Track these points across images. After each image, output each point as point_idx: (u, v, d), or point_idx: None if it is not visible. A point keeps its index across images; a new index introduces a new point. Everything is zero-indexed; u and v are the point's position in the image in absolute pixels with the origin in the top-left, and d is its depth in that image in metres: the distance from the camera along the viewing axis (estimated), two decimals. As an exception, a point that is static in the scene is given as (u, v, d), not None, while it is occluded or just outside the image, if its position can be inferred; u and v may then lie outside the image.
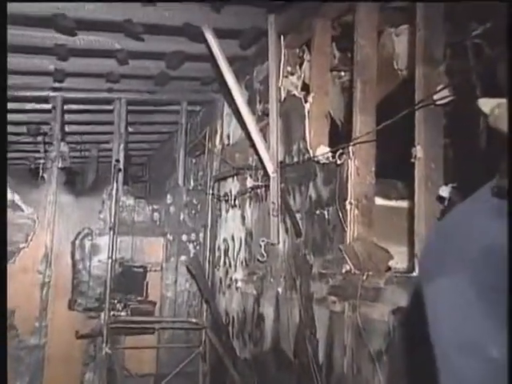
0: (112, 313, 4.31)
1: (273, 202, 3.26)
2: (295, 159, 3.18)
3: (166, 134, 6.22)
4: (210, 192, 4.71)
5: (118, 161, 4.61)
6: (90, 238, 4.41)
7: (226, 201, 4.43)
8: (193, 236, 4.81)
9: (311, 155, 2.94)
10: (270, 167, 3.26)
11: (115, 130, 4.69)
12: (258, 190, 3.72)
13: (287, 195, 3.24)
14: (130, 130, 5.21)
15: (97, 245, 4.42)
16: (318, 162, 2.85)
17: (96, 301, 4.35)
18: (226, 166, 4.41)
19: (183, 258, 4.71)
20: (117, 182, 4.49)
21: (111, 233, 4.38)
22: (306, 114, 3.06)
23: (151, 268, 4.64)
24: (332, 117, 3.13)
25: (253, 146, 3.48)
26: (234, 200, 4.22)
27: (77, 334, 4.19)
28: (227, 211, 4.45)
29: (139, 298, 4.49)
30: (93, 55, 3.55)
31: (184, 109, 5.09)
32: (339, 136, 3.14)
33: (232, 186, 4.32)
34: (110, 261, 4.36)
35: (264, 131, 3.54)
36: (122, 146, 4.70)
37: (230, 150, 4.42)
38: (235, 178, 4.23)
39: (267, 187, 3.45)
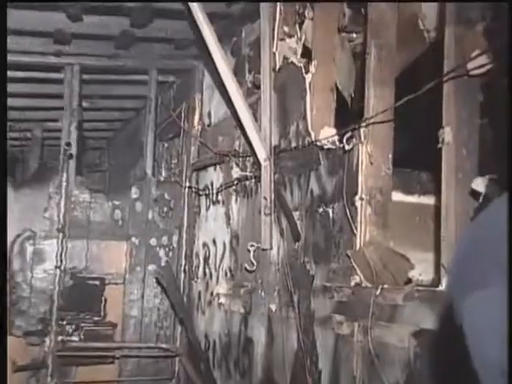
0: (60, 337, 4.28)
1: (264, 198, 3.29)
2: (293, 144, 3.19)
3: (130, 110, 6.21)
4: (187, 184, 4.72)
5: (68, 144, 4.57)
6: (31, 242, 4.36)
7: (207, 195, 4.44)
8: (164, 240, 4.82)
9: (313, 139, 2.97)
10: (262, 154, 3.28)
11: (65, 104, 4.66)
12: (247, 183, 3.73)
13: (282, 189, 3.26)
14: (85, 105, 5.17)
15: (41, 251, 4.39)
16: (321, 148, 2.88)
17: (39, 322, 4.30)
18: (206, 152, 4.41)
19: (152, 267, 4.71)
20: (67, 171, 4.48)
21: (60, 236, 4.37)
22: (307, 86, 3.07)
23: (111, 280, 4.63)
24: (340, 90, 3.12)
25: (240, 126, 3.49)
26: (217, 194, 4.23)
27: (14, 366, 4.12)
28: (208, 208, 4.45)
29: (95, 319, 4.48)
30: (36, 8, 3.47)
31: (153, 79, 5.07)
32: (348, 115, 3.16)
33: (214, 176, 4.33)
34: (57, 271, 4.35)
35: (254, 108, 3.53)
36: (74, 125, 4.65)
37: (211, 131, 4.42)
38: (218, 167, 4.23)
39: (258, 179, 3.47)
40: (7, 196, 3.90)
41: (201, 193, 4.57)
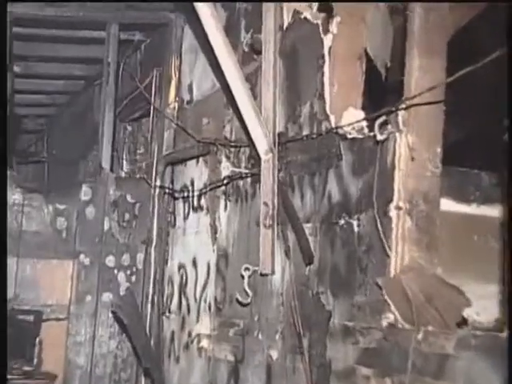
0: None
1: (265, 204, 3.32)
2: (305, 131, 3.19)
3: (80, 79, 6.23)
4: (157, 183, 4.73)
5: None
6: None
7: (185, 199, 4.44)
8: (125, 259, 4.83)
9: (332, 124, 2.98)
10: (262, 143, 3.30)
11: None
12: (241, 183, 3.74)
13: (290, 192, 3.26)
14: (17, 70, 5.20)
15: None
16: (343, 137, 2.90)
17: None
18: (185, 140, 4.42)
19: (108, 296, 4.71)
20: (-9, 162, 4.51)
21: (-20, 251, 4.39)
22: (326, 52, 3.08)
23: (50, 315, 4.63)
24: (371, 59, 3.10)
25: (233, 105, 3.52)
26: (199, 198, 4.23)
27: None
28: (186, 217, 4.45)
29: (26, 369, 4.47)
30: None
31: (113, 37, 5.09)
32: (382, 92, 3.18)
33: (195, 173, 4.33)
34: (-24, 300, 4.37)
35: (253, 81, 3.54)
36: None
37: (192, 111, 4.43)
38: (201, 160, 4.25)
39: (256, 177, 3.48)
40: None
41: (177, 195, 4.57)
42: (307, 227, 3.11)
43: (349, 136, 2.87)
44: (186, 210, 4.46)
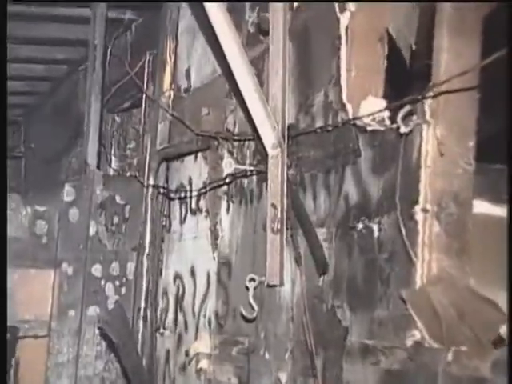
0: None
1: (273, 205, 3.32)
2: (318, 122, 3.20)
3: (62, 64, 6.27)
4: (150, 182, 4.73)
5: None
6: None
7: (182, 200, 4.45)
8: (114, 268, 4.83)
9: (350, 115, 2.99)
10: (270, 137, 3.31)
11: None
12: (245, 181, 3.76)
13: (301, 192, 3.28)
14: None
15: None
16: (362, 129, 2.90)
17: None
18: (182, 133, 4.42)
19: (94, 310, 4.71)
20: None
21: None
22: (343, 33, 3.08)
23: (27, 331, 4.63)
24: (393, 40, 3.07)
25: (236, 94, 3.53)
26: (198, 199, 4.24)
27: None
28: (183, 220, 4.47)
29: (0, 394, 4.48)
30: None
31: (100, 16, 5.12)
32: (406, 78, 3.15)
33: (194, 171, 4.35)
34: None
35: (259, 66, 3.56)
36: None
37: (191, 100, 4.43)
38: (200, 156, 4.26)
39: (263, 176, 3.50)
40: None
41: (172, 196, 4.58)
42: (321, 232, 3.12)
43: (368, 128, 2.87)
44: (183, 213, 4.46)
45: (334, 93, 3.11)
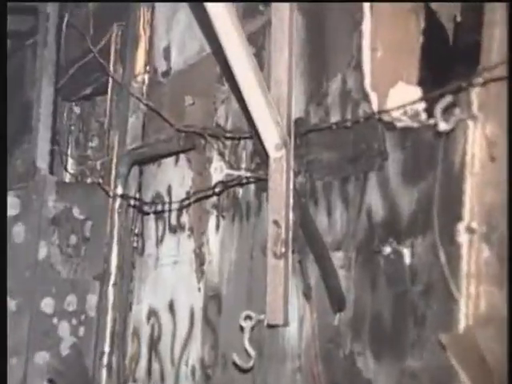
0: None
1: (275, 222, 3.33)
2: (334, 117, 3.20)
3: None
4: (118, 192, 4.70)
5: None
6: None
7: (158, 215, 4.43)
8: (70, 302, 4.80)
9: (374, 107, 3.00)
10: (272, 134, 3.31)
11: None
12: (240, 192, 3.76)
13: (311, 205, 3.28)
14: None
15: None
16: (390, 126, 2.91)
17: None
18: (160, 129, 4.39)
19: (43, 357, 4.68)
20: None
21: None
22: (366, 4, 3.07)
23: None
24: (432, 12, 3.09)
25: (229, 79, 3.52)
26: (179, 214, 4.22)
27: None
28: (160, 241, 4.46)
29: None
30: None
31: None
32: (448, 60, 3.16)
33: (174, 177, 4.36)
34: None
35: (258, 43, 3.55)
36: None
37: (170, 87, 4.42)
38: (183, 158, 4.26)
39: (263, 184, 3.50)
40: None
41: (147, 209, 4.57)
42: (337, 257, 3.12)
43: (398, 125, 2.87)
44: (160, 231, 4.46)
45: (354, 78, 3.11)
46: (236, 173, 3.71)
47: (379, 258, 2.92)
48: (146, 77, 4.68)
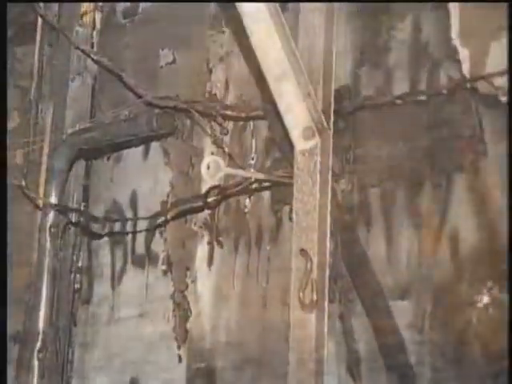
0: None
1: (303, 252, 2.96)
2: (399, 86, 3.04)
3: None
4: (51, 200, 4.13)
5: None
6: None
7: (114, 237, 3.97)
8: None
9: (466, 72, 2.83)
10: (300, 114, 2.95)
11: None
12: (247, 202, 3.44)
13: (361, 226, 3.07)
14: None
15: None
16: (491, 100, 2.72)
17: None
18: (119, 101, 3.98)
19: None
20: None
21: None
22: None
23: None
24: None
25: (230, 22, 3.31)
26: (149, 237, 3.80)
27: None
28: (118, 280, 3.99)
29: None
30: None
31: None
32: None
33: (141, 179, 3.97)
34: None
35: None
36: None
37: (137, 33, 3.96)
38: (155, 147, 3.88)
39: (283, 191, 3.21)
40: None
41: (97, 228, 4.05)
42: (401, 310, 2.90)
43: (502, 99, 2.67)
44: (119, 265, 3.94)
45: (432, 25, 2.90)
46: (241, 173, 3.22)
47: (471, 312, 2.71)
48: (98, 17, 4.12)
